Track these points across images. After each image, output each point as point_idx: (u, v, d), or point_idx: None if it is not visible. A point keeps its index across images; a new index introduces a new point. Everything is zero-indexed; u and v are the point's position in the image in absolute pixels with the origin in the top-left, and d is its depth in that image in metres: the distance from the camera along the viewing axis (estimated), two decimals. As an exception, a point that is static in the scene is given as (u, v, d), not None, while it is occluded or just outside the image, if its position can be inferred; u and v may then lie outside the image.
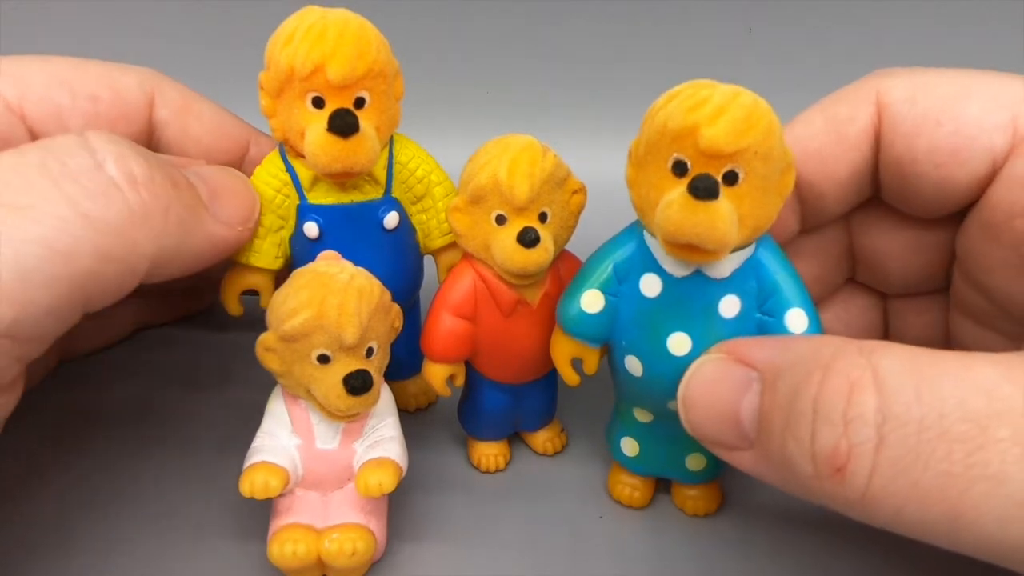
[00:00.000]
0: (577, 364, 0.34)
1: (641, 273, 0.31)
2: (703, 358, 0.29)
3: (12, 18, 0.62)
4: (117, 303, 0.41)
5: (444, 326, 0.34)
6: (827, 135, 0.32)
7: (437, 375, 0.35)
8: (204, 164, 0.35)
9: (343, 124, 0.32)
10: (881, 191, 0.33)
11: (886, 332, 0.38)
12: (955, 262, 0.34)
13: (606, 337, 0.32)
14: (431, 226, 0.38)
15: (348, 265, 0.31)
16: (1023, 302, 0.30)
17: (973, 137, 0.29)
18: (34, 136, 0.34)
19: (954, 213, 0.32)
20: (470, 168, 0.33)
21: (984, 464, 0.21)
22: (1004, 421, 0.22)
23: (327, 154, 0.32)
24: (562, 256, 0.35)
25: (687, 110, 0.27)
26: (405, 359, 0.39)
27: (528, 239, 0.32)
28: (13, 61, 0.34)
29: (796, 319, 0.30)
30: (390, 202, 0.36)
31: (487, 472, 0.38)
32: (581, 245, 0.34)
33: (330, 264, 0.31)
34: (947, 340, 0.36)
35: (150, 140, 0.37)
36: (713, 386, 0.28)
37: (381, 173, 0.35)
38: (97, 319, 0.44)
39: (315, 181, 0.35)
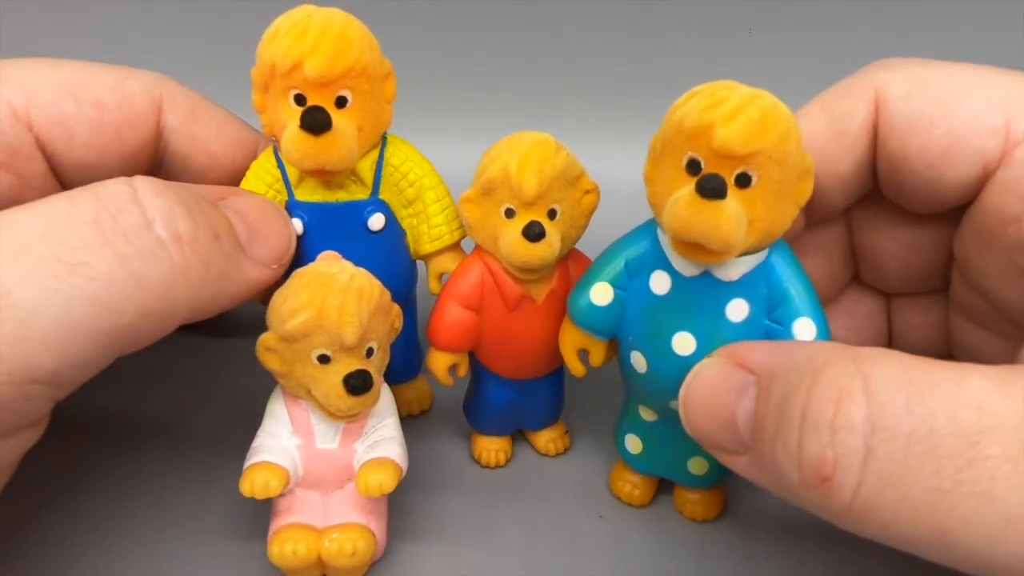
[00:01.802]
0: (584, 356, 0.34)
1: (652, 270, 0.31)
2: (705, 361, 0.29)
3: (17, 17, 0.61)
4: None
5: (450, 315, 0.35)
6: (828, 132, 0.32)
7: (440, 363, 0.36)
8: (242, 195, 0.34)
9: (313, 121, 0.31)
10: (879, 185, 0.33)
11: (891, 334, 0.38)
12: (953, 263, 0.34)
13: (613, 331, 0.33)
14: (421, 231, 0.37)
15: (348, 265, 0.31)
16: (1019, 306, 0.30)
17: (965, 139, 0.29)
18: (40, 144, 0.34)
19: (950, 212, 0.32)
20: (484, 160, 0.33)
21: (973, 481, 0.21)
22: (994, 438, 0.21)
23: (298, 150, 0.32)
24: (572, 255, 0.36)
25: (703, 109, 0.27)
26: (401, 364, 0.39)
27: (532, 233, 0.32)
28: (20, 66, 0.34)
29: (804, 328, 0.30)
30: (376, 203, 0.36)
31: (487, 467, 0.38)
32: (597, 244, 0.34)
33: (331, 264, 0.31)
34: (949, 341, 0.36)
35: (157, 146, 0.37)
36: (712, 389, 0.28)
37: (368, 174, 0.35)
38: None
39: (302, 178, 0.35)
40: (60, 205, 0.27)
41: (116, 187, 0.29)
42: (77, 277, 0.26)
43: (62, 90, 0.34)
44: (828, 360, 0.24)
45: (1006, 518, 0.21)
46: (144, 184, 0.29)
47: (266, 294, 0.33)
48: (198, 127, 0.37)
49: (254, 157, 0.38)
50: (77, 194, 0.28)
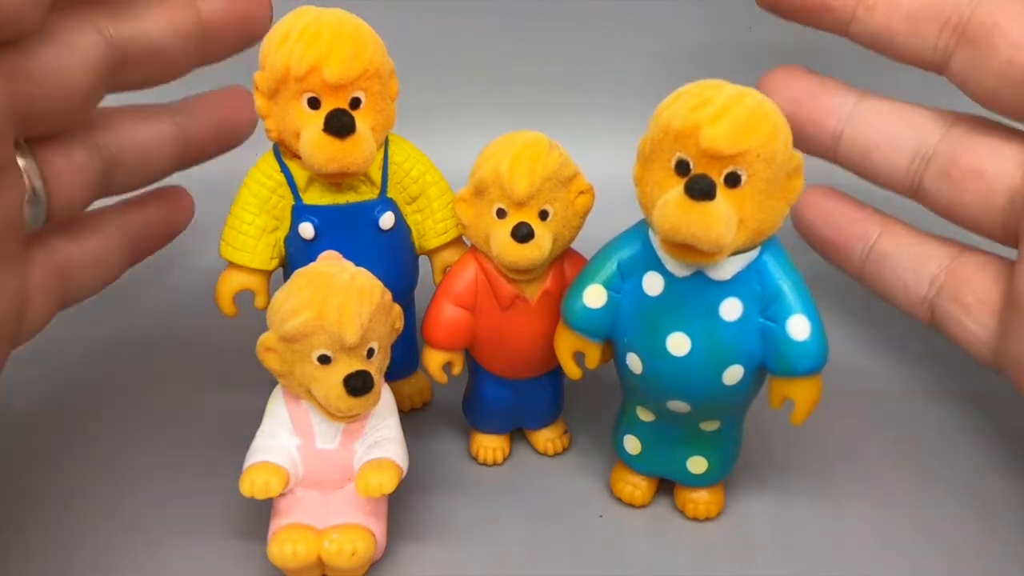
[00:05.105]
0: (580, 358, 0.34)
1: (645, 271, 0.31)
2: None
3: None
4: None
5: (444, 314, 0.35)
6: None
7: (434, 361, 0.36)
8: None
9: (339, 125, 0.32)
10: (951, 61, 0.36)
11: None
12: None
13: (608, 333, 0.33)
14: (426, 226, 0.38)
15: (349, 265, 0.31)
16: None
17: None
18: None
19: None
20: (478, 160, 0.34)
21: None
22: None
23: (324, 154, 0.32)
24: (568, 255, 0.36)
25: (690, 109, 0.27)
26: (399, 359, 0.39)
27: (521, 234, 0.32)
28: None
29: (799, 325, 0.30)
30: (386, 202, 0.36)
31: (484, 464, 0.39)
32: (597, 244, 0.34)
33: (331, 264, 0.31)
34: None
35: None
36: None
37: (376, 173, 0.36)
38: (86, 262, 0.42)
39: (310, 182, 0.35)
40: None
41: None
42: None
43: None
44: None
45: None
46: None
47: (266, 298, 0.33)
48: None
49: None
50: None
